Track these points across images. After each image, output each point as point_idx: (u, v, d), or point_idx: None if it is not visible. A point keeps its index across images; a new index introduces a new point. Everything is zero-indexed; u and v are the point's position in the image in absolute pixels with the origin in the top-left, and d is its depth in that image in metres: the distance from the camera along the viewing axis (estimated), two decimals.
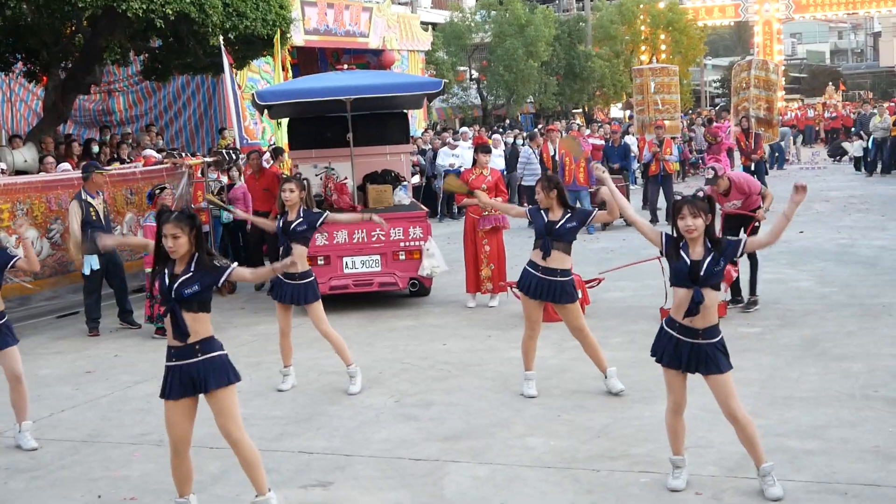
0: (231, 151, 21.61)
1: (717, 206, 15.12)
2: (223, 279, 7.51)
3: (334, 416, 10.81)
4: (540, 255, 10.83)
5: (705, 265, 7.88)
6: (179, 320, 7.45)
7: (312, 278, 11.77)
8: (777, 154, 41.94)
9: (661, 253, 8.24)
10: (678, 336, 8.00)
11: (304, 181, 12.15)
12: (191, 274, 7.45)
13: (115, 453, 9.93)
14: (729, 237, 8.11)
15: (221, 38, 19.29)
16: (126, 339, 15.22)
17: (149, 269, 14.36)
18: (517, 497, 8.31)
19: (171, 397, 7.60)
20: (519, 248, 19.77)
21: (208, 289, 7.51)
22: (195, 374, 7.49)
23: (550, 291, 10.80)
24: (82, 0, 16.26)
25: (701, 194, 8.06)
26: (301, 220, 11.67)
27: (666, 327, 8.14)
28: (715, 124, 39.37)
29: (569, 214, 10.76)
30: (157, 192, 15.30)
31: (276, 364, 12.04)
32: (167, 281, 7.49)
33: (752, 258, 14.89)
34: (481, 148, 16.83)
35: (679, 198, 8.09)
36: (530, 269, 10.93)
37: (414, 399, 11.28)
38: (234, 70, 23.62)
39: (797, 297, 15.09)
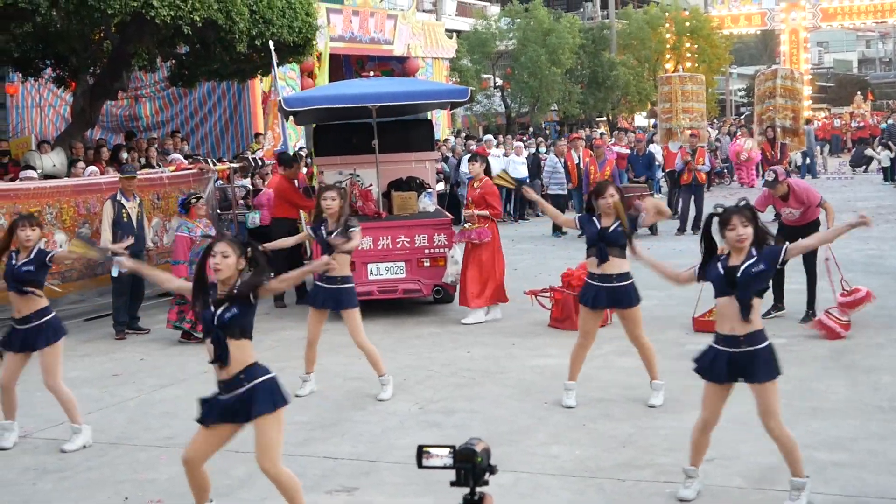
0: (258, 158, 21.64)
1: (777, 212, 15.13)
2: (252, 293, 7.48)
3: (359, 421, 10.83)
4: (595, 263, 10.84)
5: (742, 267, 7.86)
6: (223, 346, 7.45)
7: (352, 284, 11.79)
8: (808, 160, 41.80)
9: (700, 278, 8.22)
10: (720, 348, 7.98)
11: (344, 190, 12.18)
12: (231, 298, 7.45)
13: (141, 456, 9.98)
14: (771, 245, 8.06)
15: (272, 42, 19.40)
16: (152, 343, 15.27)
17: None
18: None
19: (205, 424, 7.58)
20: (531, 255, 19.73)
21: (246, 311, 7.48)
22: (240, 404, 7.43)
23: (610, 298, 10.82)
24: (111, 7, 16.31)
25: (744, 203, 8.05)
26: (340, 230, 11.63)
27: (711, 343, 8.12)
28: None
29: (618, 220, 10.72)
30: (193, 200, 15.36)
31: (300, 369, 12.05)
32: (211, 308, 7.47)
33: (810, 272, 14.84)
34: (471, 158, 16.36)
35: (723, 209, 8.06)
36: (589, 281, 10.95)
37: (437, 406, 11.30)
38: (261, 76, 23.71)
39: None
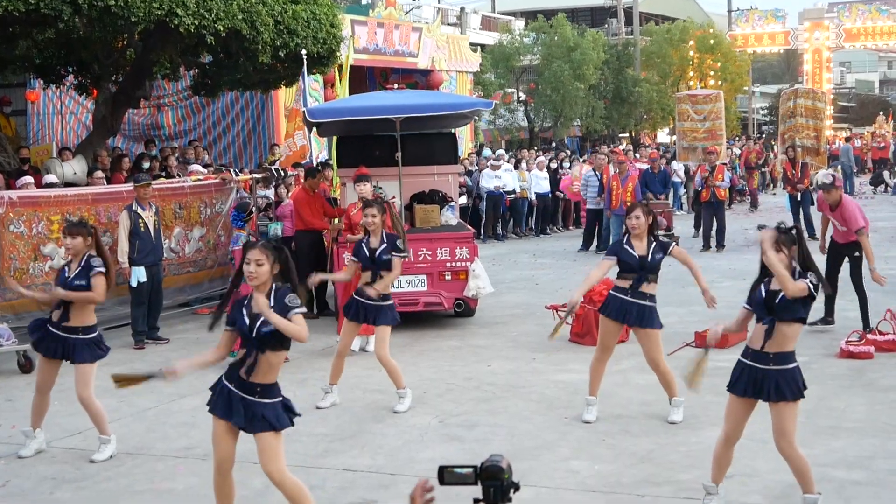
0: (280, 168, 21.64)
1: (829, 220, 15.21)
2: (298, 312, 7.52)
3: (378, 434, 10.82)
4: (629, 282, 10.77)
5: (780, 295, 7.83)
6: (254, 360, 7.49)
7: (391, 302, 11.78)
8: (847, 181, 41.85)
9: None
10: (750, 363, 7.96)
11: (385, 204, 12.17)
12: (271, 309, 7.45)
13: (159, 466, 9.98)
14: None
15: (304, 52, 19.50)
16: (171, 353, 15.25)
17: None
18: None
19: (217, 415, 7.61)
20: (552, 270, 19.65)
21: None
22: (246, 413, 7.50)
23: (638, 315, 10.75)
24: (135, 14, 16.31)
25: (783, 227, 8.02)
26: (385, 246, 11.67)
27: (741, 357, 8.11)
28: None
29: (654, 244, 10.73)
30: (254, 209, 15.28)
31: (321, 381, 12.05)
32: (247, 320, 7.50)
33: (859, 293, 15.13)
34: (359, 178, 15.37)
35: (765, 228, 8.06)
36: (617, 294, 10.85)
37: (458, 419, 11.27)
38: (285, 87, 23.71)
39: (845, 326, 14.94)
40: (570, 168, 32.85)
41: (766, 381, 7.84)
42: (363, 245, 11.77)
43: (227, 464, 7.70)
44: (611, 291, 11.00)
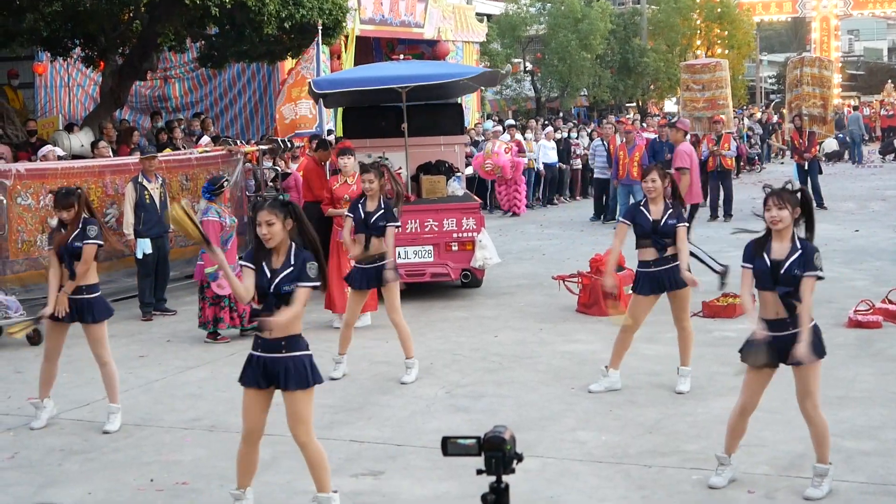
0: (286, 140, 21.58)
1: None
2: (307, 286, 7.44)
3: (385, 405, 10.82)
4: (653, 252, 10.66)
5: (787, 264, 7.80)
6: (271, 313, 7.40)
7: (392, 259, 11.74)
8: (856, 149, 41.90)
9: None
10: (769, 334, 7.88)
11: (382, 169, 12.10)
12: (291, 269, 7.41)
13: (167, 437, 9.98)
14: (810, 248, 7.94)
15: (321, 23, 19.46)
16: (178, 325, 15.28)
17: (209, 270, 14.02)
18: (568, 491, 8.28)
19: (247, 385, 7.57)
20: (559, 240, 19.62)
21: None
22: (278, 369, 7.43)
23: (670, 280, 10.67)
24: None
25: (790, 186, 7.96)
26: (382, 212, 11.63)
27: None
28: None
29: (670, 210, 10.63)
30: (225, 184, 15.02)
31: (327, 352, 12.03)
32: (268, 274, 7.43)
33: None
34: (341, 152, 14.99)
35: (768, 189, 8.01)
36: (643, 270, 10.76)
37: (465, 390, 11.27)
38: (291, 58, 23.65)
39: (852, 296, 14.91)
40: (577, 138, 32.70)
41: (788, 345, 7.77)
42: (359, 206, 11.73)
43: (256, 434, 7.63)
44: (637, 269, 10.92)
